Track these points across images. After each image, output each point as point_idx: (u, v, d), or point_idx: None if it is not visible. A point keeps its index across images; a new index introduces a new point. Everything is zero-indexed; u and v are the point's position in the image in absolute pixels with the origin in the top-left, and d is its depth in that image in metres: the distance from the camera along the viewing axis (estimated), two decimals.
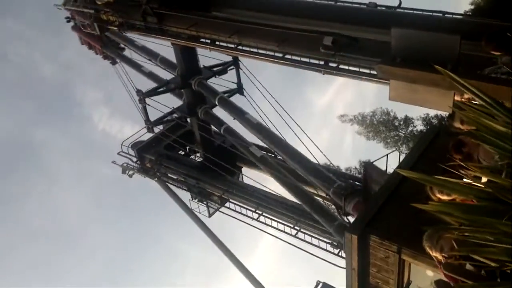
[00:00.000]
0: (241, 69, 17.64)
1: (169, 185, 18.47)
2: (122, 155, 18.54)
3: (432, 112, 32.49)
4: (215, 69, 17.33)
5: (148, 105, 17.24)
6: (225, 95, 16.89)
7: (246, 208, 16.85)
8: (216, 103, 16.11)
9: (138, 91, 17.08)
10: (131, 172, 18.66)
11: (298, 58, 11.33)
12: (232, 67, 17.60)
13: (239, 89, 17.93)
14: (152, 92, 17.41)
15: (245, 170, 18.82)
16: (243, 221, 16.82)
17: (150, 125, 17.81)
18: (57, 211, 48.27)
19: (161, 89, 17.61)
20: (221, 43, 13.35)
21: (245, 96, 17.74)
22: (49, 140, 48.39)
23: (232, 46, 13.15)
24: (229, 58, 17.29)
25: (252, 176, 18.02)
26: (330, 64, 10.60)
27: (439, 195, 4.83)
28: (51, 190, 47.33)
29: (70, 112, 50.18)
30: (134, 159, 18.64)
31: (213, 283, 48.85)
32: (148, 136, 18.79)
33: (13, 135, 45.91)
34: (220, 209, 18.37)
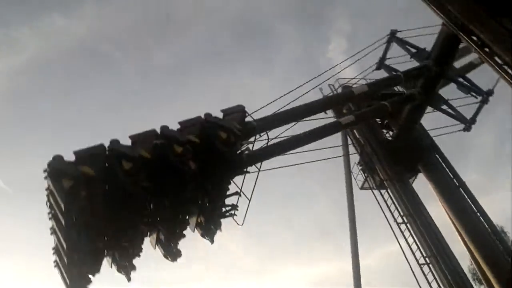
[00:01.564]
0: None
1: (348, 138, 18.61)
2: (330, 88, 18.91)
3: None
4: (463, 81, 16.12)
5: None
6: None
7: (396, 207, 16.29)
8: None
9: (392, 31, 17.43)
10: None
11: None
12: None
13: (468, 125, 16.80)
14: (400, 41, 17.44)
15: (421, 176, 17.72)
16: (385, 215, 16.45)
17: (379, 65, 17.95)
18: None
19: (410, 48, 17.32)
20: (494, 49, 11.98)
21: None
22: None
23: (499, 61, 11.73)
24: None
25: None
26: None
27: None
28: None
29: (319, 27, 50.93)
30: None
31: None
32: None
33: None
34: (373, 190, 18.01)
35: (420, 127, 17.54)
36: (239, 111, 11.76)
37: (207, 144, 10.75)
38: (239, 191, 11.81)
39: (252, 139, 12.31)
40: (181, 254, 11.42)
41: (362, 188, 18.75)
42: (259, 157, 12.72)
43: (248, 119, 12.14)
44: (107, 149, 9.70)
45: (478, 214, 15.09)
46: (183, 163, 10.09)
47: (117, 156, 9.61)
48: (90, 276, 10.23)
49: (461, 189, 15.82)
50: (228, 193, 11.84)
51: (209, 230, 11.84)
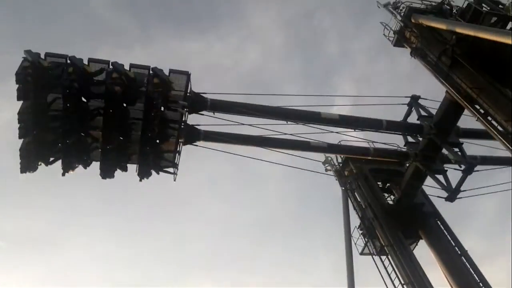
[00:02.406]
0: None
1: (350, 200, 18.56)
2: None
3: None
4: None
5: None
6: None
7: (397, 275, 15.90)
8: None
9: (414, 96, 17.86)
10: (329, 167, 19.30)
11: None
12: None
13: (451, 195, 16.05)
14: (419, 106, 17.69)
15: (422, 243, 17.50)
16: (385, 283, 16.00)
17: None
18: None
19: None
20: (493, 122, 12.41)
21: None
22: None
23: (501, 129, 12.11)
24: None
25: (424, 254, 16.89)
26: None
27: None
28: None
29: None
30: (339, 160, 19.17)
31: None
32: None
33: None
34: (374, 256, 17.66)
35: (422, 193, 17.61)
36: (184, 73, 14.24)
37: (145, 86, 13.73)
38: (178, 149, 15.09)
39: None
40: (112, 176, 14.65)
41: (362, 253, 18.35)
42: (213, 136, 15.52)
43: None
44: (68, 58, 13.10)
45: (481, 284, 14.75)
46: (111, 84, 13.09)
47: (69, 64, 13.01)
48: (40, 164, 13.76)
49: (463, 257, 15.58)
50: (168, 148, 15.01)
51: (142, 170, 14.83)
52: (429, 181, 17.01)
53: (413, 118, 17.91)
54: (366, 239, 18.05)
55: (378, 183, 18.67)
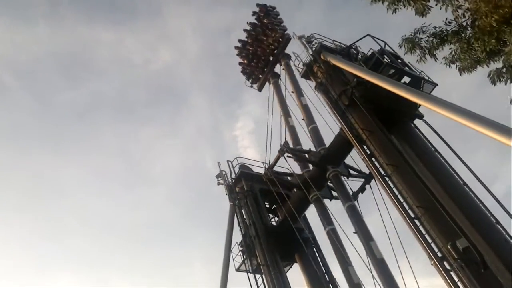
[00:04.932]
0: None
1: (236, 217, 18.80)
2: (228, 164, 19.49)
3: None
4: (352, 172, 17.25)
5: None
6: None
7: None
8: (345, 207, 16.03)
9: (285, 143, 18.10)
10: (221, 181, 19.47)
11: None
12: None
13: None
14: (292, 151, 17.96)
15: (296, 266, 18.29)
16: None
17: (268, 171, 18.66)
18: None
19: (302, 154, 18.07)
20: (376, 163, 13.49)
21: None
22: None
23: (382, 172, 13.21)
24: None
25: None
26: None
27: None
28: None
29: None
30: (233, 176, 19.45)
31: None
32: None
33: None
34: (249, 273, 17.99)
35: (304, 219, 18.42)
36: (286, 35, 22.72)
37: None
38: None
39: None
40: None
41: (238, 269, 18.58)
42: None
43: None
44: None
45: None
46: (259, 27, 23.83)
47: None
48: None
49: (330, 285, 16.52)
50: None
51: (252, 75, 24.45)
52: None
53: None
54: (244, 256, 18.36)
55: (266, 203, 19.23)
